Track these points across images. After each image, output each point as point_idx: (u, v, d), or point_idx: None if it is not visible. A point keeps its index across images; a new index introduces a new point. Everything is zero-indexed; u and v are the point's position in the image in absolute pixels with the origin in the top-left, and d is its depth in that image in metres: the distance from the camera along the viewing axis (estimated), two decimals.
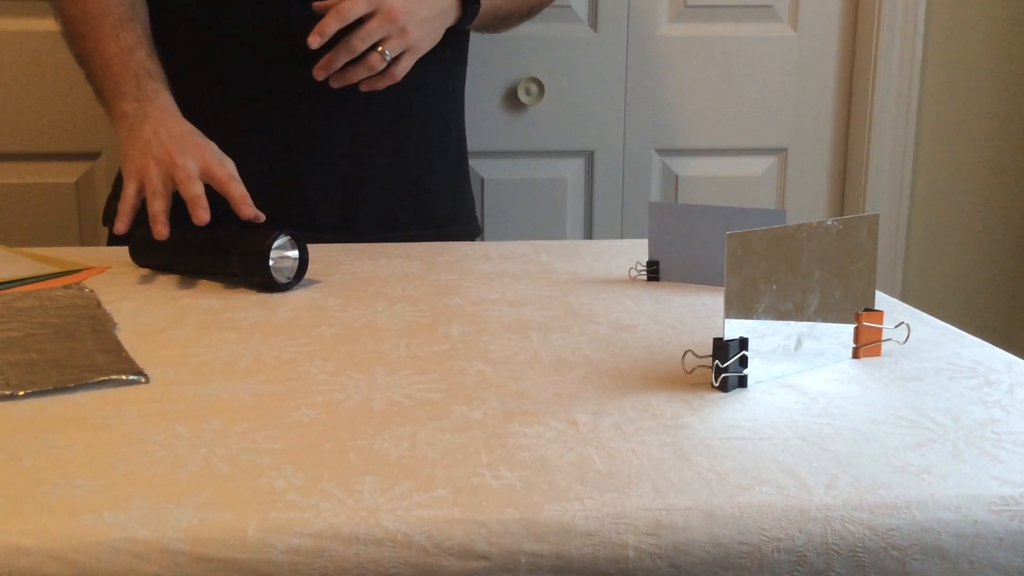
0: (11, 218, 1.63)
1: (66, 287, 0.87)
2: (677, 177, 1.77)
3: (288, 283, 0.89)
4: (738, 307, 0.61)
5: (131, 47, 1.05)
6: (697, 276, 0.91)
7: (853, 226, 0.67)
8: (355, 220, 1.18)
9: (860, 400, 0.60)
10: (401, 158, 1.20)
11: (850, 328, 0.69)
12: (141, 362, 0.67)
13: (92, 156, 1.64)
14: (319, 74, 1.04)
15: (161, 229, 0.92)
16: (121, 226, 0.95)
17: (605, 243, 1.12)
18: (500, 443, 0.53)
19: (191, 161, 0.96)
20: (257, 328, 0.76)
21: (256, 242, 0.87)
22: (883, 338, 0.70)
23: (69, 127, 1.61)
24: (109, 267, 0.98)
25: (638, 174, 1.75)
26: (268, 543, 0.43)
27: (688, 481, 0.48)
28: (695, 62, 1.72)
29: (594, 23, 1.70)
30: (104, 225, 1.24)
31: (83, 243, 1.65)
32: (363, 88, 1.06)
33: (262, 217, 0.96)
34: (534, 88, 1.68)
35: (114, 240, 1.21)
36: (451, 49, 1.23)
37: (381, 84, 1.06)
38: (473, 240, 1.29)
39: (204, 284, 0.91)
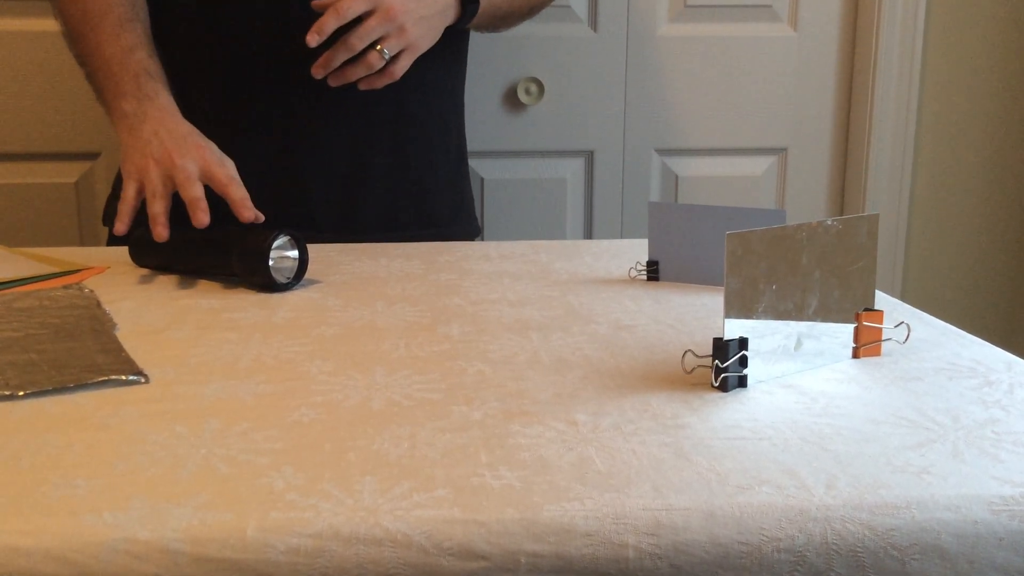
0: (11, 218, 1.63)
1: (66, 287, 0.87)
2: (677, 177, 1.77)
3: (288, 283, 0.89)
4: (738, 307, 0.61)
5: (131, 47, 1.05)
6: (697, 276, 0.91)
7: (853, 226, 0.67)
8: (355, 220, 1.18)
9: (860, 400, 0.60)
10: (401, 158, 1.20)
11: (850, 328, 0.69)
12: (141, 362, 0.67)
13: (92, 156, 1.64)
14: (317, 72, 1.04)
15: (161, 231, 0.92)
16: (121, 226, 0.95)
17: (605, 243, 1.12)
18: (500, 443, 0.53)
19: (191, 162, 0.96)
20: (257, 328, 0.76)
21: (256, 242, 0.87)
22: (883, 338, 0.70)
23: (69, 127, 1.61)
24: (109, 267, 0.98)
25: (638, 174, 1.75)
26: (268, 543, 0.43)
27: (688, 481, 0.48)
28: (695, 62, 1.72)
29: (594, 23, 1.69)
30: (104, 225, 1.24)
31: (83, 243, 1.65)
32: (362, 87, 1.06)
33: (262, 218, 0.96)
34: (534, 88, 1.68)
35: (114, 240, 1.21)
36: (451, 49, 1.23)
37: (380, 83, 1.06)
38: (473, 240, 1.29)
39: (204, 284, 0.91)
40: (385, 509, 0.45)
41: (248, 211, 0.95)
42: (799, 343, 0.65)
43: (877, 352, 0.70)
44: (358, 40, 1.01)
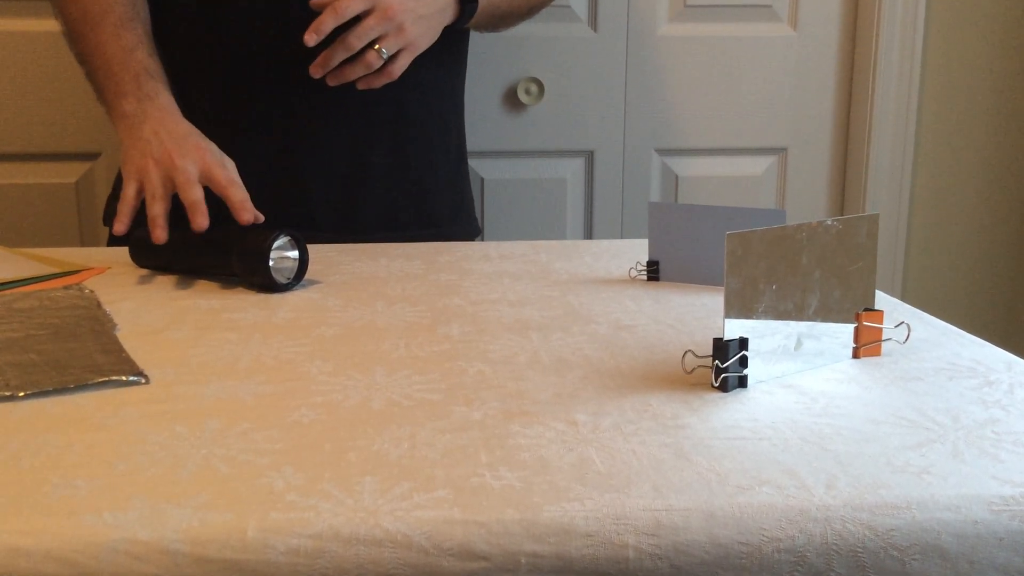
0: (11, 218, 1.63)
1: (66, 288, 0.87)
2: (677, 177, 1.77)
3: (288, 283, 0.89)
4: (738, 307, 0.61)
5: (132, 47, 1.05)
6: (697, 276, 0.91)
7: (853, 226, 0.67)
8: (355, 220, 1.18)
9: (860, 400, 0.60)
10: (401, 158, 1.20)
11: (850, 328, 0.69)
12: (141, 362, 0.67)
13: (92, 156, 1.64)
14: (315, 72, 1.04)
15: (160, 233, 0.92)
16: (120, 226, 0.95)
17: (605, 243, 1.12)
18: (500, 443, 0.53)
19: (191, 163, 0.96)
20: (257, 328, 0.76)
21: (256, 242, 0.87)
22: (883, 338, 0.70)
23: (69, 127, 1.61)
24: (109, 268, 0.98)
25: (638, 174, 1.75)
26: (268, 544, 0.43)
27: (688, 481, 0.48)
28: (695, 62, 1.72)
29: (594, 23, 1.69)
30: (104, 225, 1.24)
31: (83, 243, 1.65)
32: (360, 86, 1.06)
33: (261, 218, 0.96)
34: (534, 88, 1.68)
35: (114, 240, 1.21)
36: (451, 49, 1.23)
37: (378, 82, 1.06)
38: (473, 240, 1.29)
39: (204, 284, 0.91)
40: (385, 510, 0.45)
41: (247, 214, 0.95)
42: (799, 343, 0.65)
43: (877, 352, 0.70)
44: (356, 39, 1.01)
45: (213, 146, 0.99)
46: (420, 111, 1.20)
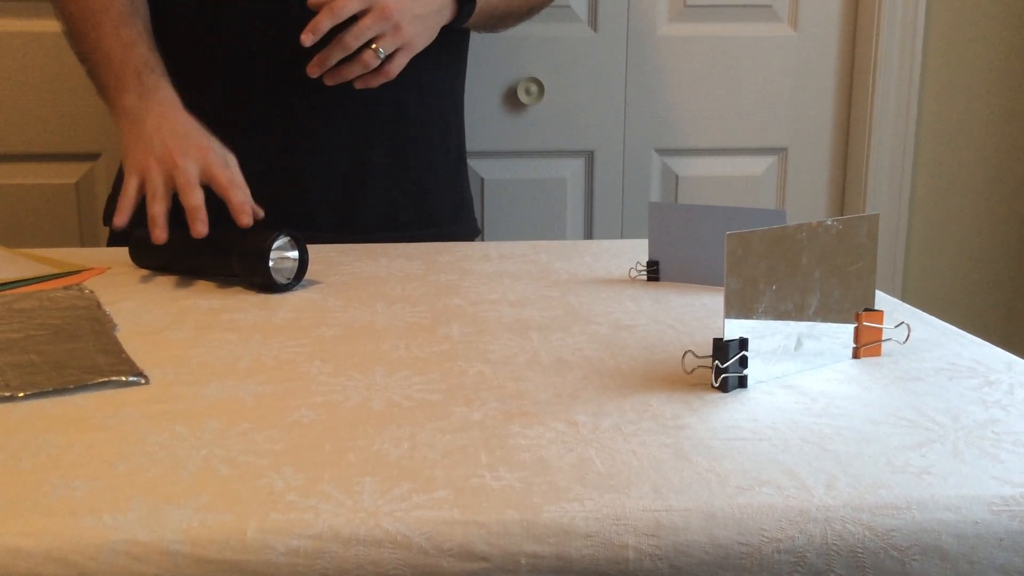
0: (11, 219, 1.63)
1: (66, 288, 0.87)
2: (677, 177, 1.77)
3: (288, 284, 0.89)
4: (738, 307, 0.61)
5: (132, 42, 1.05)
6: (697, 276, 0.91)
7: (853, 226, 0.67)
8: (355, 220, 1.18)
9: (860, 400, 0.60)
10: (401, 158, 1.20)
11: (850, 328, 0.69)
12: (141, 363, 0.67)
13: (92, 157, 1.64)
14: (313, 71, 1.04)
15: (160, 234, 0.92)
16: (122, 217, 0.94)
17: (605, 243, 1.12)
18: (500, 444, 0.53)
19: (192, 163, 0.95)
20: (257, 329, 0.76)
21: (256, 242, 0.87)
22: (883, 338, 0.70)
23: (69, 127, 1.61)
24: (109, 268, 0.98)
25: (638, 174, 1.75)
26: (268, 544, 0.43)
27: (688, 482, 0.48)
28: (695, 62, 1.72)
29: (594, 23, 1.69)
30: (104, 225, 1.24)
31: (83, 244, 1.65)
32: (357, 86, 1.06)
33: (260, 214, 0.96)
34: (534, 88, 1.68)
35: (114, 241, 1.21)
36: (450, 49, 1.22)
37: (375, 82, 1.06)
38: (473, 240, 1.29)
39: (204, 285, 0.91)
40: (385, 510, 0.45)
41: (246, 217, 0.94)
42: (799, 343, 0.65)
43: (877, 352, 0.70)
44: (353, 39, 1.01)
45: (215, 143, 0.99)
46: (420, 111, 1.20)
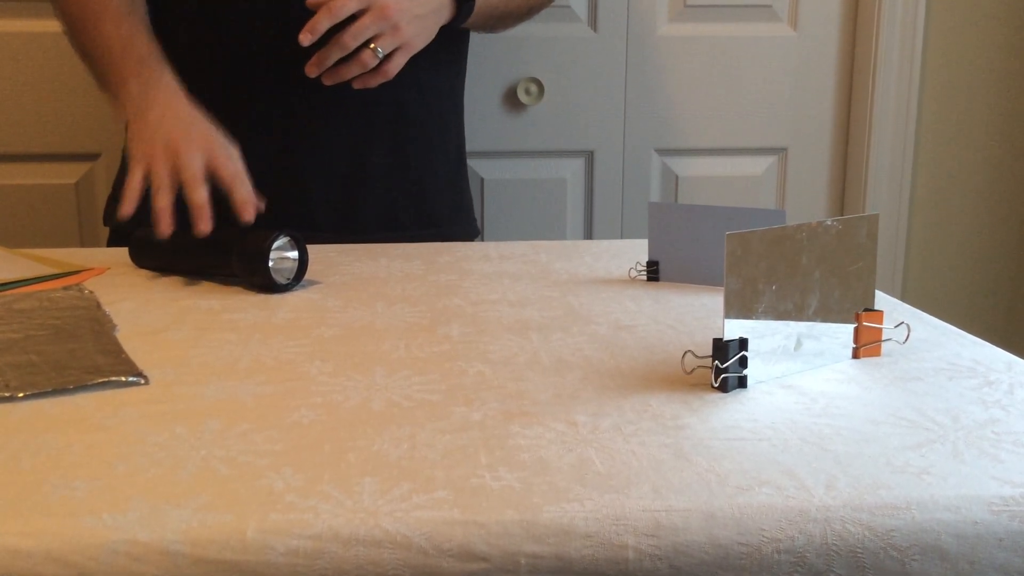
0: (11, 219, 1.63)
1: (66, 288, 0.87)
2: (677, 177, 1.77)
3: (288, 284, 0.89)
4: (738, 307, 0.61)
5: (132, 34, 1.06)
6: (697, 276, 0.91)
7: (853, 226, 0.67)
8: (355, 220, 1.18)
9: (860, 400, 0.60)
10: (401, 158, 1.20)
11: (850, 328, 0.69)
12: (141, 363, 0.67)
13: (92, 157, 1.64)
14: (311, 71, 1.04)
15: (164, 228, 0.92)
16: (127, 207, 0.93)
17: (605, 243, 1.12)
18: (500, 444, 0.53)
19: (198, 155, 0.95)
20: (256, 329, 0.76)
21: (256, 243, 0.87)
22: (883, 338, 0.70)
23: (69, 127, 1.61)
24: (109, 268, 0.98)
25: (638, 174, 1.75)
26: (267, 545, 0.43)
27: (688, 482, 0.48)
28: (695, 62, 1.72)
29: (594, 23, 1.69)
30: (104, 225, 1.24)
31: (83, 244, 1.65)
32: (356, 85, 1.06)
33: (262, 207, 0.96)
34: (534, 88, 1.68)
35: (114, 241, 1.21)
36: (450, 49, 1.22)
37: (374, 82, 1.06)
38: (473, 240, 1.29)
39: (203, 285, 0.91)
40: (385, 510, 0.45)
41: (249, 213, 0.94)
42: (799, 343, 0.65)
43: (877, 352, 0.70)
44: (351, 38, 1.01)
45: (219, 133, 0.99)
46: (419, 111, 1.20)
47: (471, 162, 1.40)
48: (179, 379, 0.64)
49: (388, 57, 1.04)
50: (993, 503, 0.47)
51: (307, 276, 0.92)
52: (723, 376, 0.61)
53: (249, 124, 1.14)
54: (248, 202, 0.95)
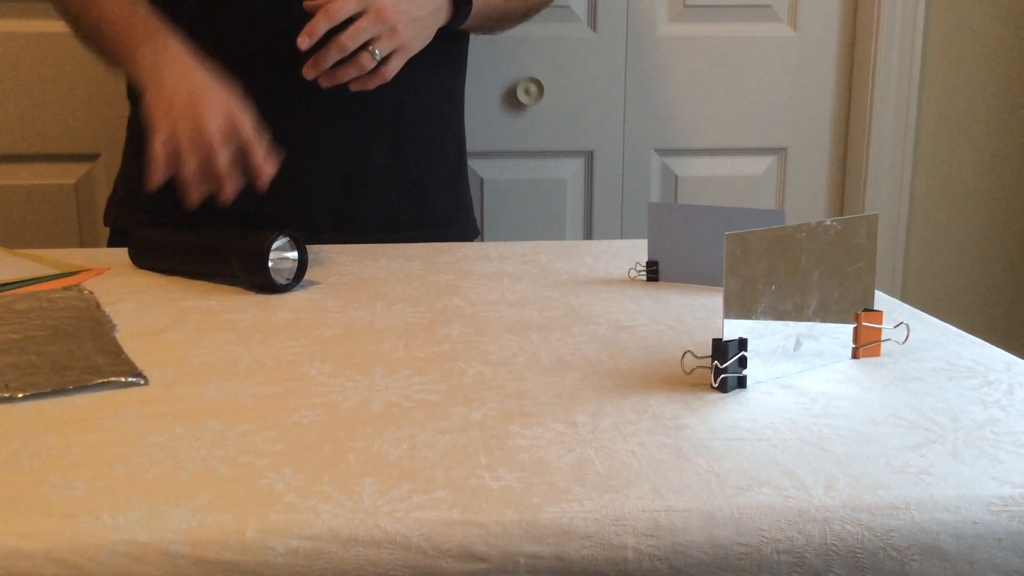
0: (11, 219, 1.63)
1: (65, 289, 0.87)
2: (677, 177, 1.77)
3: (287, 284, 0.89)
4: (737, 307, 0.61)
5: (133, 7, 1.07)
6: (697, 276, 0.91)
7: (852, 226, 0.67)
8: (354, 220, 1.18)
9: (859, 400, 0.60)
10: (400, 158, 1.20)
11: (849, 328, 0.69)
12: (140, 363, 0.67)
13: (92, 157, 1.64)
14: (308, 73, 1.04)
15: (195, 196, 0.91)
16: (156, 178, 0.93)
17: (605, 243, 1.12)
18: (499, 444, 0.53)
19: (217, 117, 0.95)
20: (256, 329, 0.76)
21: (255, 243, 0.87)
22: (883, 338, 0.70)
23: (69, 127, 1.61)
24: (108, 268, 0.98)
25: (638, 174, 1.75)
26: (267, 545, 0.43)
27: (687, 482, 0.48)
28: (695, 62, 1.72)
29: (593, 23, 1.69)
30: (104, 225, 1.24)
31: (83, 244, 1.66)
32: (353, 87, 1.06)
33: (281, 156, 0.97)
34: (533, 88, 1.68)
35: (114, 241, 1.21)
36: (450, 50, 1.22)
37: (371, 84, 1.06)
38: (472, 240, 1.29)
39: (203, 285, 0.91)
40: (384, 511, 0.45)
41: (268, 173, 0.96)
42: (798, 343, 0.65)
43: (877, 352, 0.70)
44: (349, 40, 1.01)
45: (234, 92, 0.99)
46: (419, 112, 1.20)
47: (471, 162, 1.40)
48: (179, 379, 0.64)
49: (386, 59, 1.04)
50: (992, 503, 0.47)
51: (307, 276, 0.92)
52: (722, 376, 0.61)
53: None
54: (267, 162, 0.95)
